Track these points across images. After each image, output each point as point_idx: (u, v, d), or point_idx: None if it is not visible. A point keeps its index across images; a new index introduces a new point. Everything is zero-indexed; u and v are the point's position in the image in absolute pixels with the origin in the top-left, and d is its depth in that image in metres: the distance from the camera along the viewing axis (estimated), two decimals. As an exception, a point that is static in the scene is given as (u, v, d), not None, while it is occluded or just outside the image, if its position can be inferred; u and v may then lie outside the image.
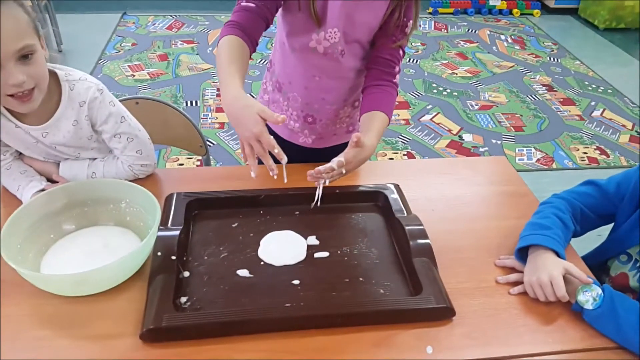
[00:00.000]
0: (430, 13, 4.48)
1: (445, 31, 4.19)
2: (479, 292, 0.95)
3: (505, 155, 2.67)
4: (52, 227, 0.99)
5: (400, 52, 1.20)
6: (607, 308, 0.87)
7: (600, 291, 0.89)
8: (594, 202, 1.08)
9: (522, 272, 0.97)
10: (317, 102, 1.29)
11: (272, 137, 0.91)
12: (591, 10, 4.40)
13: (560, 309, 0.92)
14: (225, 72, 0.99)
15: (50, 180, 1.13)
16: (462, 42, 3.99)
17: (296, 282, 0.94)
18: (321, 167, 0.98)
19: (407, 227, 1.01)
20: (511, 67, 3.64)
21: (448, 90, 3.30)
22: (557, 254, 0.95)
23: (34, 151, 1.12)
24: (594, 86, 3.43)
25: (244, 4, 1.08)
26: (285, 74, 1.29)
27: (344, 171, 1.01)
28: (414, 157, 2.66)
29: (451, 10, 4.49)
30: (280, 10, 1.16)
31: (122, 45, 3.68)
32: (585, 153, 2.73)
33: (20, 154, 1.14)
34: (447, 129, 2.92)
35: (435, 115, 3.03)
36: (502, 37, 4.11)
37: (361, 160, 1.03)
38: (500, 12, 4.54)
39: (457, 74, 3.52)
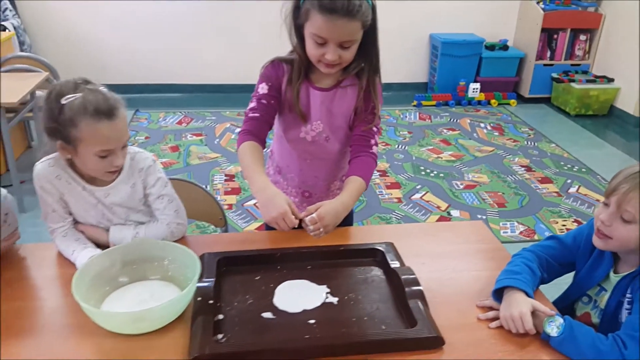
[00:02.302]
0: (415, 105, 4.88)
1: (430, 121, 4.57)
2: (463, 327, 1.14)
3: (491, 229, 2.89)
4: (108, 281, 1.19)
5: (374, 128, 1.47)
6: (568, 334, 1.06)
7: (562, 321, 1.08)
8: (556, 252, 1.30)
9: (498, 309, 1.17)
10: (311, 180, 1.60)
11: (293, 216, 1.30)
12: (562, 98, 4.83)
13: (531, 337, 1.10)
14: (250, 169, 1.38)
15: (99, 247, 1.34)
16: (445, 130, 4.35)
17: (312, 321, 1.12)
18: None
19: (402, 277, 1.21)
20: (491, 151, 3.97)
21: (435, 172, 3.59)
22: (527, 294, 1.16)
23: (90, 213, 1.34)
24: (569, 166, 3.74)
25: (251, 115, 1.45)
26: (283, 160, 1.60)
27: (321, 229, 1.34)
28: None
29: (434, 102, 4.90)
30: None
31: (136, 138, 3.99)
32: (564, 225, 2.97)
33: (76, 223, 1.36)
34: (436, 205, 3.17)
35: (424, 194, 3.30)
36: (482, 125, 4.49)
37: (336, 216, 1.36)
38: (479, 103, 4.96)
39: (442, 157, 3.83)
